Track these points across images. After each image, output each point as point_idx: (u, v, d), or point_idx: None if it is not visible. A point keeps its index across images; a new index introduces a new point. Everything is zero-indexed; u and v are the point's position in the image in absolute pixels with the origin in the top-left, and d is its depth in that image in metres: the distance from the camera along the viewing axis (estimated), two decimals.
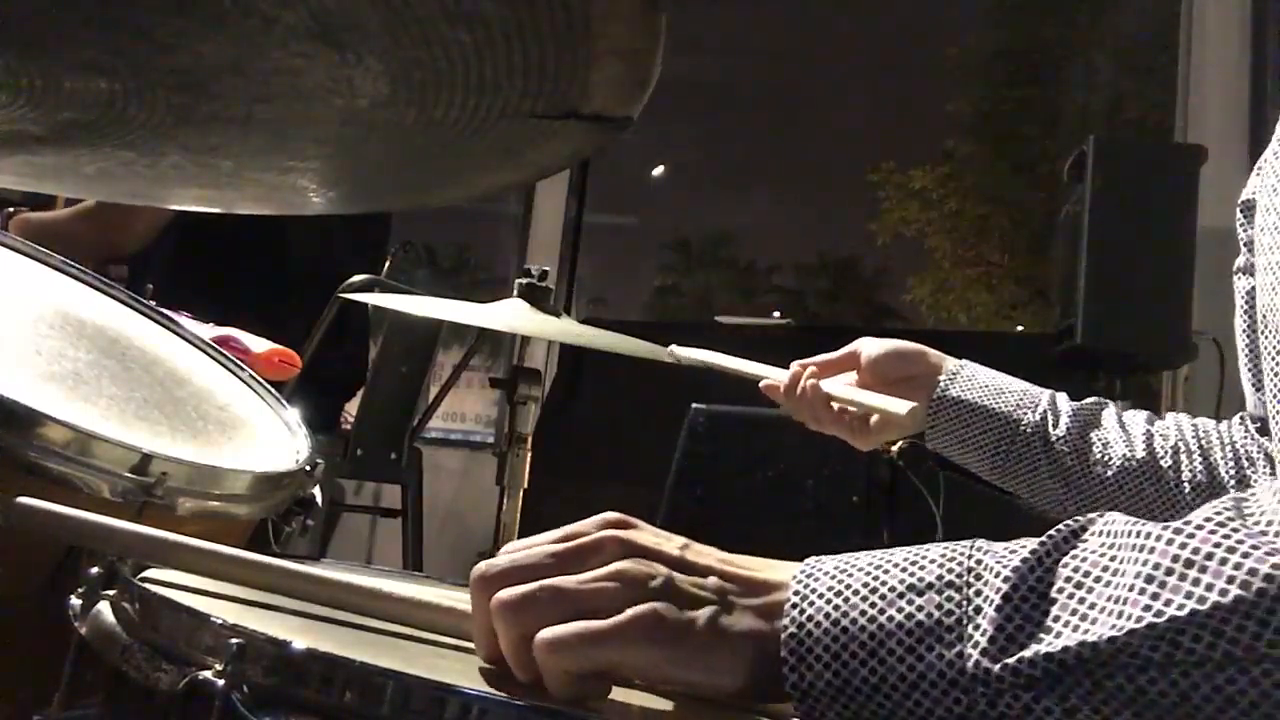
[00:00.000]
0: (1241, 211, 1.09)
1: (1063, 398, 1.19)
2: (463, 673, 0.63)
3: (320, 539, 2.95)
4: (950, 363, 1.22)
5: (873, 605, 0.55)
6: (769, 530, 2.60)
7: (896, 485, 2.83)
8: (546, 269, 1.40)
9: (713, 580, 0.59)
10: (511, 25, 0.60)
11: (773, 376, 1.28)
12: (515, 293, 1.38)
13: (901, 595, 0.55)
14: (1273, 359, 0.94)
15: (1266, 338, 0.91)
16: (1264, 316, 0.88)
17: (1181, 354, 2.79)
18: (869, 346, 1.22)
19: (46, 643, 0.70)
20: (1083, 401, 1.19)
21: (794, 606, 0.56)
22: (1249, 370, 1.06)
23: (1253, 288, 1.02)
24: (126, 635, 0.62)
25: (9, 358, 0.92)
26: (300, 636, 0.57)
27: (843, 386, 1.21)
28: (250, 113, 0.71)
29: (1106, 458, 1.13)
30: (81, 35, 0.67)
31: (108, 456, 0.81)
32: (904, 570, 0.56)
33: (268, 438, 1.07)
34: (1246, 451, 1.12)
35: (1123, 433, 1.15)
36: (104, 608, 0.66)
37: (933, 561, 0.56)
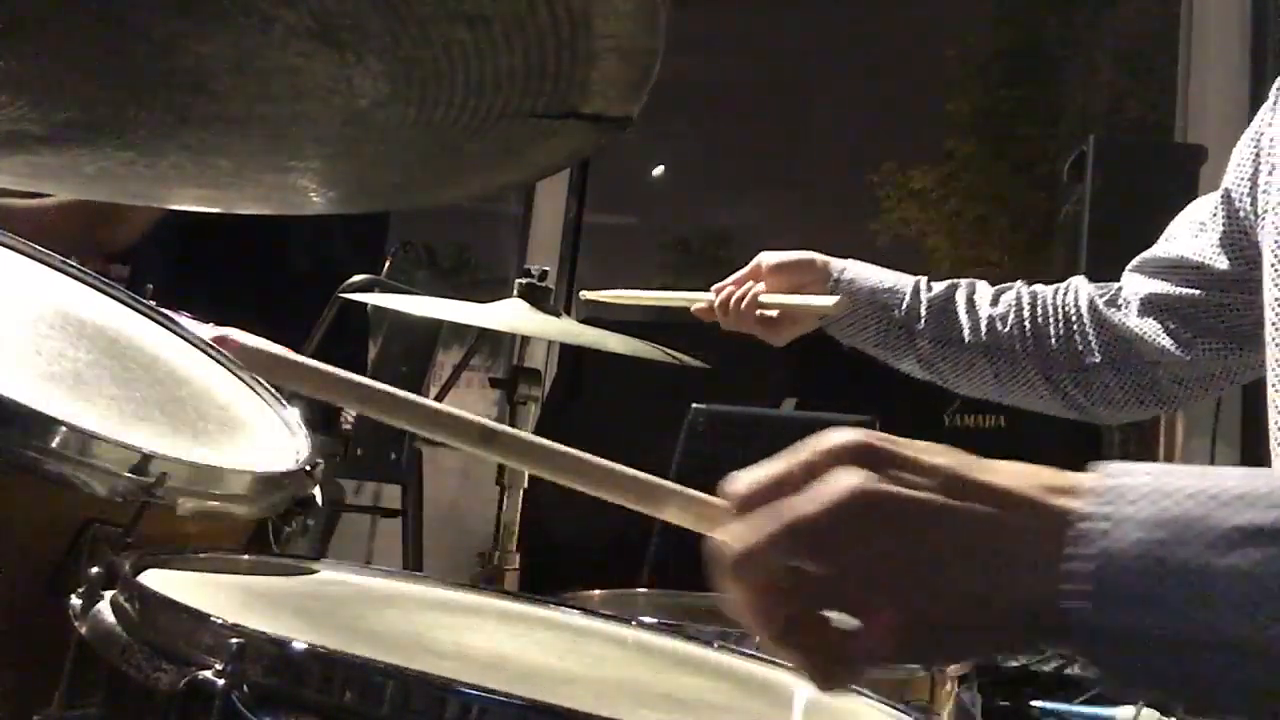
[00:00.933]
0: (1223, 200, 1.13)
1: (924, 285, 1.40)
2: (463, 673, 0.63)
3: (320, 539, 2.94)
4: (836, 263, 1.44)
5: (1204, 541, 0.48)
6: None
7: None
8: (546, 269, 1.40)
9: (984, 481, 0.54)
10: (512, 24, 0.60)
11: (700, 299, 1.50)
12: (515, 293, 1.38)
13: (1241, 540, 0.47)
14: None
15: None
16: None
17: None
18: (768, 258, 1.45)
19: (46, 643, 0.70)
20: (939, 288, 1.39)
21: (1101, 530, 0.50)
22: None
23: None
24: (126, 635, 0.62)
25: (9, 358, 0.92)
26: (300, 636, 0.57)
27: (776, 295, 1.44)
28: (250, 113, 0.71)
29: (959, 338, 1.35)
30: (81, 35, 0.67)
31: (108, 456, 0.81)
32: (1245, 503, 0.48)
33: (268, 438, 1.07)
34: (1071, 310, 1.32)
35: (970, 316, 1.35)
36: (104, 608, 0.66)
37: None
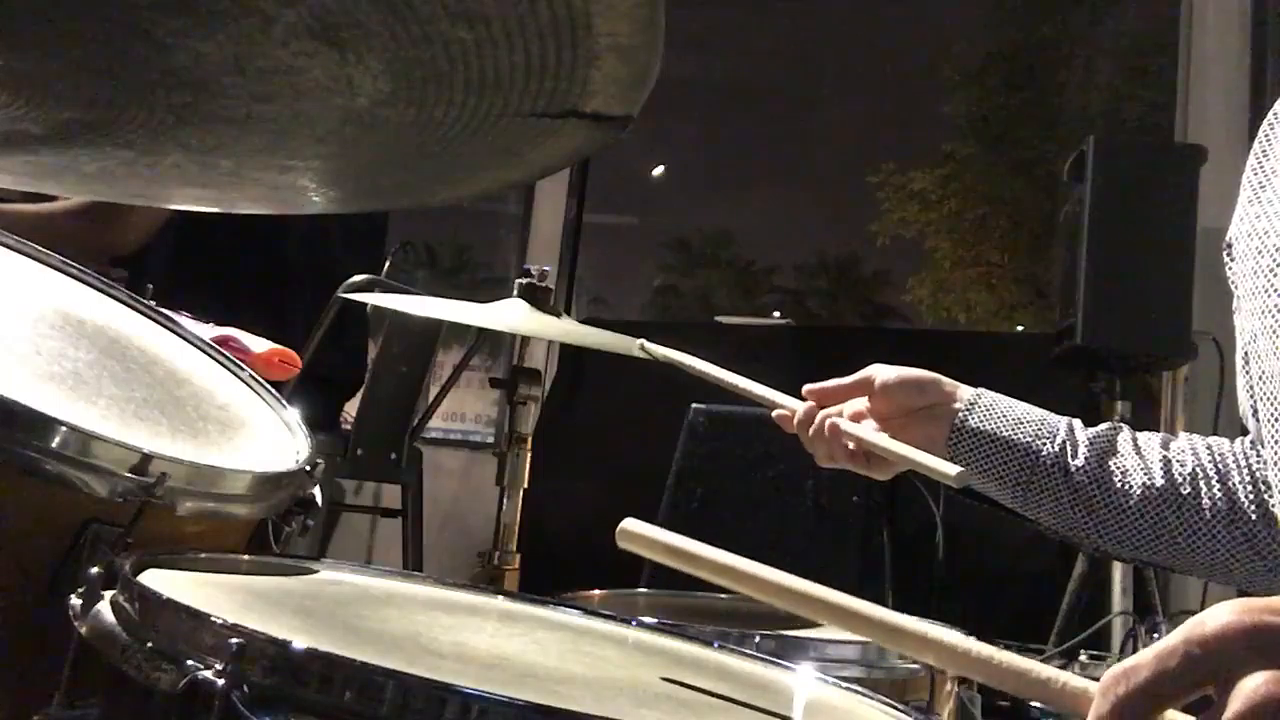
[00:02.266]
0: (1225, 253, 1.10)
1: (1079, 425, 1.18)
2: (462, 673, 0.63)
3: (320, 539, 2.95)
4: (966, 391, 1.20)
5: None
6: (769, 530, 2.60)
7: (896, 485, 2.83)
8: (546, 269, 1.40)
9: None
10: (512, 23, 0.60)
11: (784, 404, 1.26)
12: (515, 293, 1.38)
13: None
14: (1269, 401, 0.94)
15: (1256, 368, 0.93)
16: (1250, 355, 0.90)
17: (1181, 354, 2.78)
18: (882, 373, 1.21)
19: (46, 643, 0.70)
20: (1098, 429, 1.18)
21: None
22: (1247, 399, 1.07)
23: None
24: (126, 635, 0.62)
25: (9, 358, 0.92)
26: (300, 636, 0.57)
27: (878, 435, 1.18)
28: (250, 112, 0.71)
29: (1127, 486, 1.13)
30: (81, 35, 0.67)
31: (108, 456, 0.81)
32: None
33: (268, 438, 1.07)
34: (1262, 475, 1.12)
35: (1140, 459, 1.15)
36: (104, 608, 0.66)
37: None
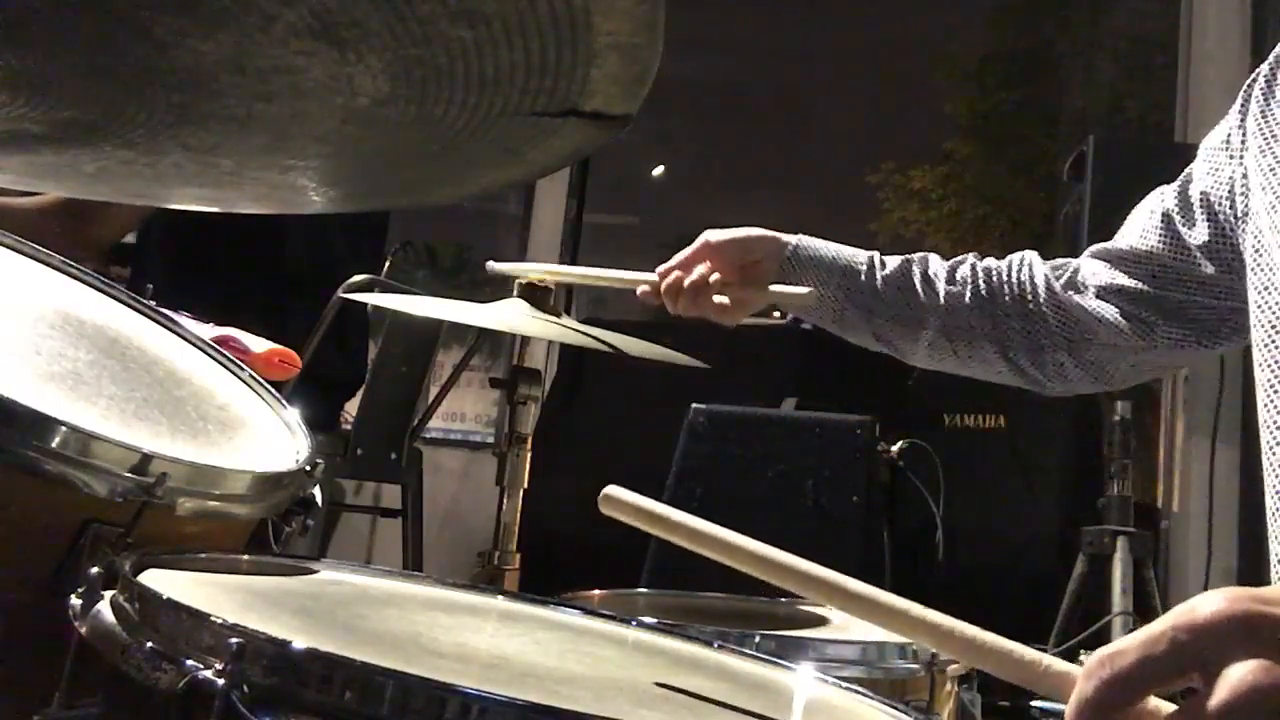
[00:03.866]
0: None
1: (879, 264, 1.37)
2: (463, 673, 0.63)
3: (320, 539, 2.94)
4: (785, 238, 1.41)
5: None
6: (769, 530, 2.60)
7: (896, 485, 2.83)
8: None
9: None
10: (512, 22, 0.60)
11: (642, 280, 1.42)
12: (515, 293, 1.38)
13: None
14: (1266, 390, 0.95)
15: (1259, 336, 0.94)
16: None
17: None
18: (715, 235, 1.39)
19: (46, 643, 0.70)
20: (893, 266, 1.37)
21: None
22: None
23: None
24: (126, 635, 0.62)
25: (9, 358, 0.92)
26: (300, 636, 0.57)
27: (747, 288, 1.38)
28: (250, 111, 0.71)
29: (915, 309, 1.34)
30: (82, 35, 0.67)
31: (108, 456, 0.81)
32: None
33: (268, 438, 1.07)
34: (1031, 308, 1.30)
35: (927, 293, 1.34)
36: (104, 607, 0.66)
37: None
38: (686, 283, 1.36)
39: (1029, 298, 1.31)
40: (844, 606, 0.69)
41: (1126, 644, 0.55)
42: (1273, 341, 0.97)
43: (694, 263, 1.39)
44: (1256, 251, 1.02)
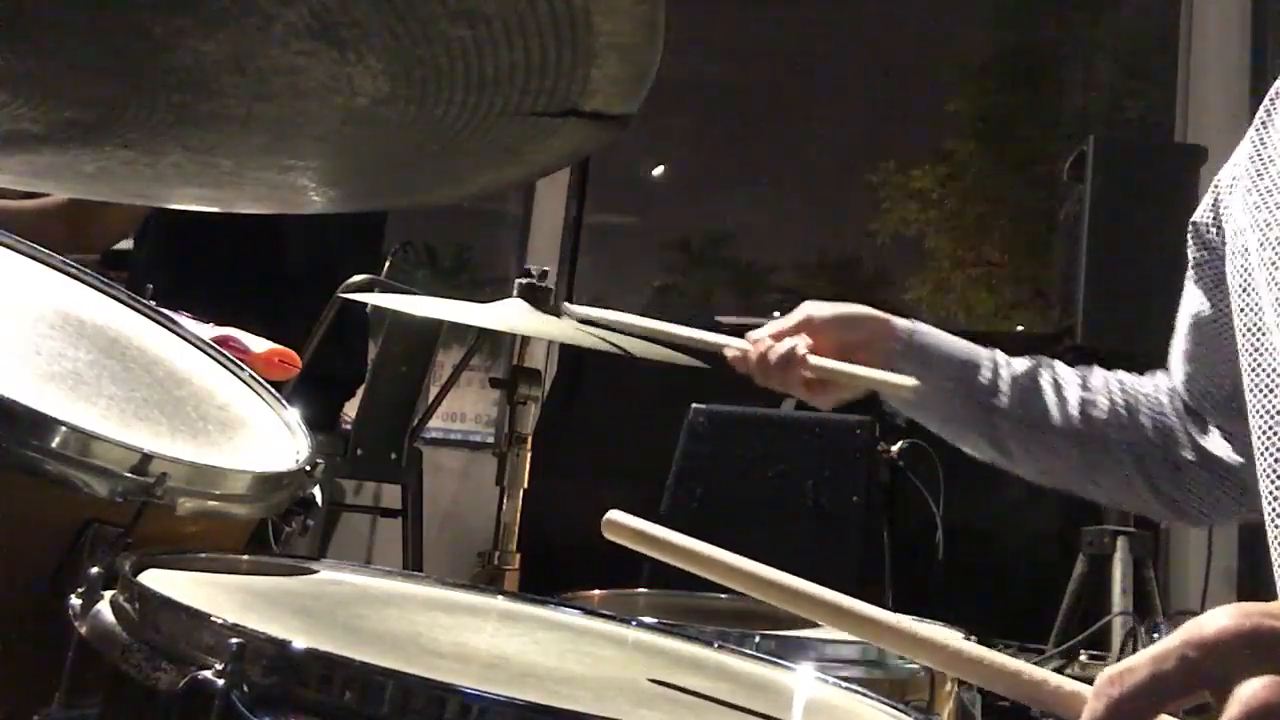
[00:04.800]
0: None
1: (1003, 361, 1.27)
2: (463, 673, 0.63)
3: (320, 539, 2.95)
4: (899, 323, 1.28)
5: None
6: (769, 530, 2.60)
7: (896, 485, 2.82)
8: (546, 269, 1.40)
9: None
10: (511, 22, 0.60)
11: (733, 346, 1.33)
12: (515, 293, 1.38)
13: None
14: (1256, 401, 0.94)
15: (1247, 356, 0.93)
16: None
17: None
18: (819, 310, 1.29)
19: (46, 643, 0.70)
20: (1021, 368, 1.26)
21: None
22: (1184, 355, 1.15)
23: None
24: (126, 635, 0.62)
25: (9, 358, 0.92)
26: (300, 637, 0.57)
27: (839, 363, 1.26)
28: (250, 111, 0.71)
29: (1046, 422, 1.23)
30: (81, 34, 0.67)
31: (108, 456, 0.81)
32: None
33: (268, 438, 1.07)
34: (1168, 423, 1.21)
35: (1058, 398, 1.24)
36: (104, 607, 0.66)
37: None
38: (773, 356, 1.26)
39: (1166, 411, 1.21)
40: (851, 629, 0.69)
41: (1136, 662, 0.54)
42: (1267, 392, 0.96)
43: (790, 335, 1.29)
44: (1244, 291, 1.01)
